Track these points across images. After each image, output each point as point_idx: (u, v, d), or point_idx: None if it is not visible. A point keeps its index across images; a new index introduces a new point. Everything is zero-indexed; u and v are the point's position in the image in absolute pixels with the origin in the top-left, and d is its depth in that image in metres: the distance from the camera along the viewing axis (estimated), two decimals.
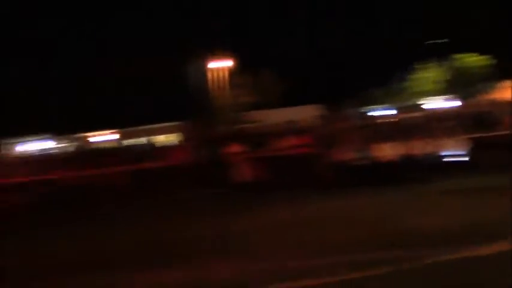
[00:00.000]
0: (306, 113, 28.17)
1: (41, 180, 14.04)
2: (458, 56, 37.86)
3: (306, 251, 7.10)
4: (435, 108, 25.70)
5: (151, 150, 18.08)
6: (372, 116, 26.36)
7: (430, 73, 38.82)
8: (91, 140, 36.85)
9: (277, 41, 43.21)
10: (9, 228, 11.21)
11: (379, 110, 31.67)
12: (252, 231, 8.69)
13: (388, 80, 39.31)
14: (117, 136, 37.38)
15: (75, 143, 34.08)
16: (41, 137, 36.27)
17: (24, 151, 32.27)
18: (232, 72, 39.20)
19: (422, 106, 30.13)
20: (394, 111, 27.22)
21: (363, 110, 31.62)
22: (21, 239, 10.04)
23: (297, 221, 9.28)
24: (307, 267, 6.27)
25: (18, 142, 35.40)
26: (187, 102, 37.45)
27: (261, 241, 7.92)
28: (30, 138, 35.64)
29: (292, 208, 10.56)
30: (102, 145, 32.01)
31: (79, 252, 8.28)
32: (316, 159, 13.64)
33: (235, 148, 14.60)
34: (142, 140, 33.58)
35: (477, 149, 13.35)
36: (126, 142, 32.70)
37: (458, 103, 28.95)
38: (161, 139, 33.72)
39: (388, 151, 13.74)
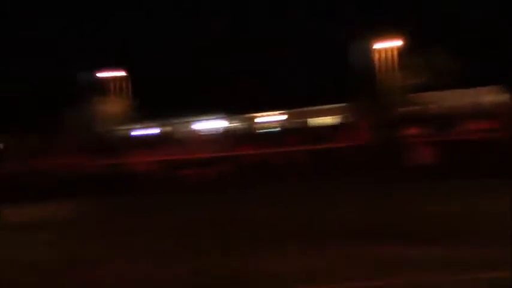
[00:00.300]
0: (482, 96, 26.32)
1: (225, 156, 15.12)
2: None
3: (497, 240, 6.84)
4: None
5: (329, 130, 18.38)
6: None
7: None
8: (260, 120, 38.46)
9: (451, 18, 40.62)
10: (202, 199, 12.30)
11: None
12: (443, 215, 8.65)
13: None
14: (284, 117, 38.48)
15: (246, 123, 35.89)
16: (215, 116, 38.75)
17: (201, 129, 34.82)
18: (402, 52, 37.93)
19: None
20: None
21: None
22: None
23: (488, 209, 8.88)
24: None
25: (194, 121, 38.23)
26: (353, 84, 37.17)
27: (451, 226, 7.89)
28: (204, 118, 38.29)
29: (482, 195, 10.11)
30: (271, 125, 33.24)
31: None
32: (504, 146, 12.75)
33: (413, 130, 14.26)
34: (304, 120, 34.27)
35: None
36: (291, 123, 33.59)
37: None
38: (327, 120, 34.02)
39: None
